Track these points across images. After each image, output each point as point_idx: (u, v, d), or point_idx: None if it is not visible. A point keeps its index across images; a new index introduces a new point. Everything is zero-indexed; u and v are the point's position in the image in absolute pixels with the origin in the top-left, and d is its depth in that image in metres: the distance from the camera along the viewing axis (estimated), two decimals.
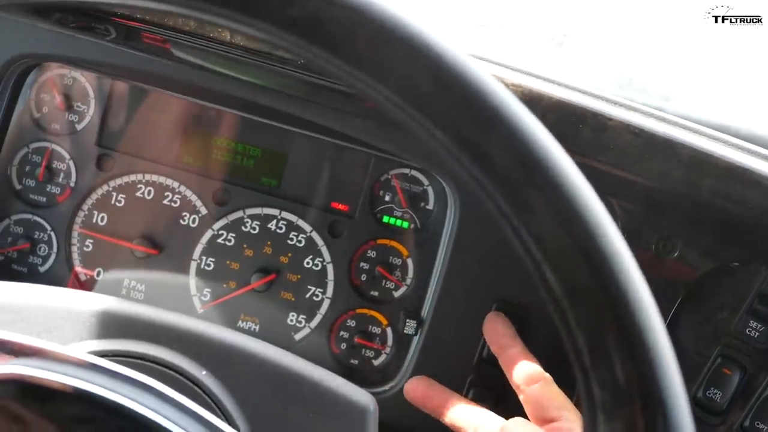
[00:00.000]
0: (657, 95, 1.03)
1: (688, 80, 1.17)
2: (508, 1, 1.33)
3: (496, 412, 0.81)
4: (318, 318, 0.96)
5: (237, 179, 0.96)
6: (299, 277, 0.96)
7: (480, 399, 0.87)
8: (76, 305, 0.64)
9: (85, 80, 0.96)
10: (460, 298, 0.90)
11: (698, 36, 1.12)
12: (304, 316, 0.97)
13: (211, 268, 0.97)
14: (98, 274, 0.98)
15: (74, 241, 0.98)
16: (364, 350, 0.96)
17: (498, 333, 0.86)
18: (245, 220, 0.96)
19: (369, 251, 0.95)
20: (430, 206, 0.95)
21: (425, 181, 0.94)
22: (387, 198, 0.95)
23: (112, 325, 0.64)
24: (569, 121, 0.80)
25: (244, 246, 0.96)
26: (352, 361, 0.97)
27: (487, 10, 1.31)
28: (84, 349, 0.62)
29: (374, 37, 0.36)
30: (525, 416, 0.78)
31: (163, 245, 0.97)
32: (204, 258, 0.97)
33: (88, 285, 0.99)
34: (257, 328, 0.97)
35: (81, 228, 0.98)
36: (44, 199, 0.98)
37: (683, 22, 1.17)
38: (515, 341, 0.84)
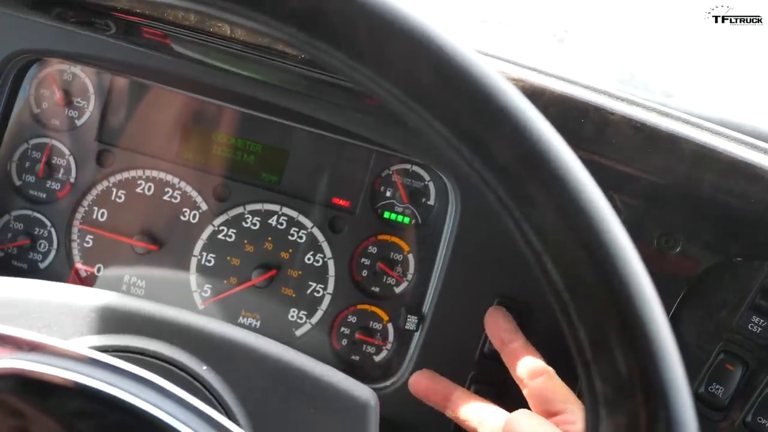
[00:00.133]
0: (659, 91, 1.03)
1: (690, 76, 1.16)
2: None
3: (498, 407, 0.81)
4: (319, 314, 0.96)
5: (237, 175, 0.96)
6: (300, 273, 0.96)
7: (482, 394, 0.87)
8: (76, 300, 0.64)
9: (84, 76, 0.96)
10: (461, 294, 0.90)
11: (699, 33, 1.12)
12: (305, 312, 0.96)
13: (211, 264, 0.97)
14: (98, 270, 0.98)
15: (74, 237, 0.98)
16: (365, 346, 0.96)
17: (499, 327, 0.85)
18: (246, 215, 0.96)
19: (370, 247, 0.95)
20: (431, 202, 0.94)
21: (426, 177, 0.94)
22: (388, 193, 0.95)
23: (112, 321, 0.64)
24: (571, 116, 0.79)
25: (245, 242, 0.96)
26: (353, 357, 0.96)
27: (488, 6, 1.31)
28: (84, 344, 0.62)
29: (375, 30, 0.35)
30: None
31: (163, 241, 0.97)
32: (204, 254, 0.97)
33: (88, 281, 0.98)
34: (258, 324, 0.97)
35: (81, 224, 0.98)
36: (44, 195, 0.98)
37: (684, 21, 1.17)
38: (517, 335, 0.84)
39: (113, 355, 0.48)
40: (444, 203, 0.93)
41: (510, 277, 0.88)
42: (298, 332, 0.97)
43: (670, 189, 0.81)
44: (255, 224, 0.96)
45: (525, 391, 0.79)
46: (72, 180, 0.97)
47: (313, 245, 0.96)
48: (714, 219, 0.83)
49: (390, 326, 0.96)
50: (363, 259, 0.95)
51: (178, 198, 0.96)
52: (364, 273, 0.96)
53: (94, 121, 0.97)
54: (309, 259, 0.96)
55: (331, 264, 0.96)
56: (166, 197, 0.96)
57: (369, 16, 0.35)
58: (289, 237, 0.96)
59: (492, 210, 0.37)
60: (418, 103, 0.36)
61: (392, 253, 0.95)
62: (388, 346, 0.96)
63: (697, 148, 0.79)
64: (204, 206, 0.96)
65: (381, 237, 0.95)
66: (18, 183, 0.98)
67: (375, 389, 0.68)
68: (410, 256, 0.95)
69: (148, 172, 0.96)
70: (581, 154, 0.36)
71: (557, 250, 0.35)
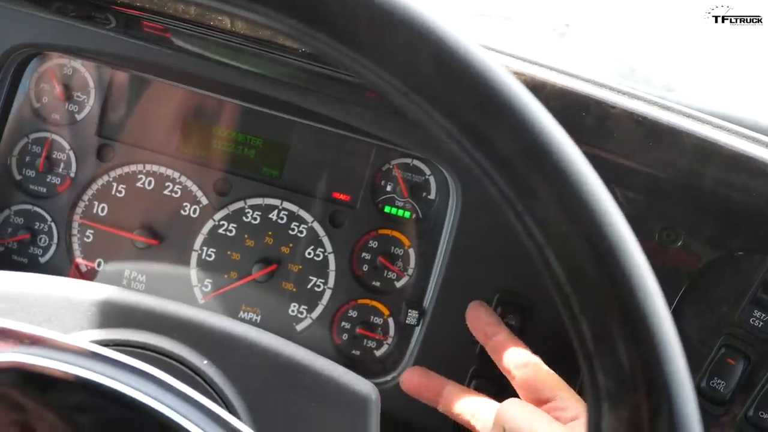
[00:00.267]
0: (660, 85, 1.03)
1: (690, 70, 1.16)
2: None
3: (498, 402, 0.81)
4: (319, 309, 0.96)
5: (238, 169, 0.96)
6: (300, 267, 0.96)
7: (482, 389, 0.87)
8: (76, 295, 0.64)
9: (85, 70, 0.96)
10: (462, 288, 0.90)
11: (700, 30, 1.12)
12: (306, 307, 0.96)
13: (212, 259, 0.97)
14: (99, 264, 0.98)
15: (75, 231, 0.98)
16: (365, 341, 0.96)
17: (482, 321, 0.86)
18: (246, 210, 0.96)
19: (370, 241, 0.95)
20: (432, 196, 0.94)
21: (427, 171, 0.94)
22: (388, 188, 0.95)
23: (113, 315, 0.64)
24: (572, 109, 0.79)
25: (245, 236, 0.96)
26: (353, 351, 0.96)
27: (489, 1, 1.31)
28: (85, 338, 0.62)
29: (376, 21, 0.35)
30: None
31: (163, 236, 0.97)
32: (205, 248, 0.96)
33: (88, 276, 0.98)
34: (258, 318, 0.97)
35: (81, 218, 0.98)
36: (44, 190, 0.98)
37: (684, 18, 1.17)
38: (500, 328, 0.84)
39: (114, 349, 0.48)
40: (445, 197, 0.92)
41: (511, 271, 0.88)
42: (299, 327, 0.97)
43: (672, 183, 0.81)
44: (255, 219, 0.96)
45: (513, 382, 0.79)
46: (72, 174, 0.97)
47: (314, 240, 0.96)
48: (715, 213, 0.83)
49: (391, 321, 0.96)
50: (364, 254, 0.95)
51: (179, 192, 0.96)
52: (365, 267, 0.96)
53: (94, 116, 0.96)
54: (309, 253, 0.96)
55: (331, 258, 0.96)
56: (166, 192, 0.96)
57: (370, 6, 0.35)
58: (290, 231, 0.96)
59: (493, 204, 0.37)
60: (419, 94, 0.36)
61: (393, 248, 0.95)
62: (389, 340, 0.96)
63: (698, 142, 0.79)
64: (204, 201, 0.96)
65: (382, 231, 0.95)
66: (18, 177, 0.98)
67: (376, 384, 0.68)
68: (411, 251, 0.95)
69: (148, 167, 0.96)
70: (582, 148, 0.36)
71: (559, 242, 0.35)
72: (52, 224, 0.98)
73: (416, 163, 0.94)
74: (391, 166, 0.94)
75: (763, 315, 0.83)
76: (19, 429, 0.45)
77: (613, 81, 0.85)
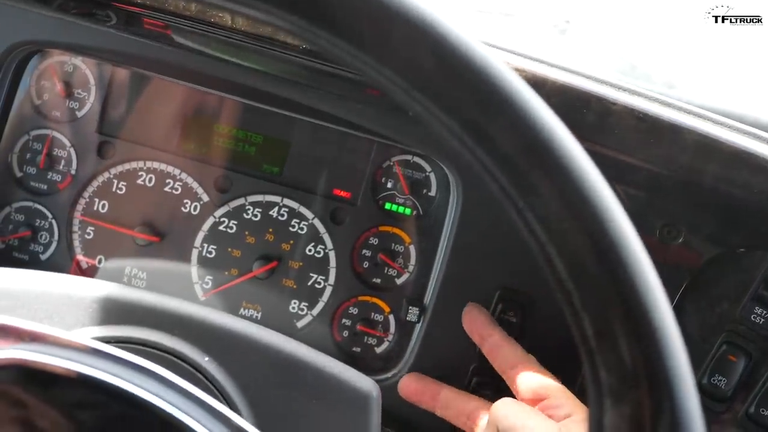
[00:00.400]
0: (660, 82, 1.03)
1: (692, 67, 1.16)
2: None
3: (498, 399, 0.81)
4: (320, 305, 0.96)
5: (238, 166, 0.96)
6: (301, 264, 0.96)
7: (483, 386, 0.87)
8: (77, 292, 0.64)
9: (85, 67, 0.96)
10: (462, 285, 0.90)
11: (700, 30, 1.12)
12: (306, 304, 0.96)
13: (212, 256, 0.97)
14: (99, 261, 0.98)
15: (75, 228, 0.98)
16: (366, 338, 0.96)
17: (477, 324, 0.86)
18: (247, 207, 0.96)
19: (371, 238, 0.95)
20: (433, 193, 0.94)
21: (427, 168, 0.94)
22: (389, 185, 0.95)
23: (113, 312, 0.64)
24: (573, 106, 0.79)
25: (246, 233, 0.96)
26: (354, 348, 0.96)
27: None
28: (86, 335, 0.62)
29: (377, 17, 0.35)
30: None
31: (164, 233, 0.97)
32: (205, 245, 0.96)
33: (89, 273, 0.98)
34: (259, 315, 0.97)
35: (82, 215, 0.98)
36: (45, 187, 0.98)
37: (684, 17, 1.17)
38: (494, 329, 0.85)
39: (115, 346, 0.48)
40: (445, 194, 0.92)
41: (512, 268, 0.88)
42: (300, 324, 0.97)
43: (673, 179, 0.81)
44: (256, 215, 0.96)
45: (508, 382, 0.80)
46: (73, 171, 0.97)
47: (314, 236, 0.95)
48: (716, 209, 0.83)
49: (391, 318, 0.96)
50: (364, 251, 0.95)
51: (179, 189, 0.96)
52: (366, 264, 0.96)
53: (94, 113, 0.96)
54: (310, 250, 0.96)
55: (332, 255, 0.96)
56: (167, 189, 0.96)
57: (370, 3, 0.35)
58: (290, 228, 0.96)
59: (493, 201, 0.37)
60: (420, 91, 0.36)
61: (393, 245, 0.95)
62: (390, 337, 0.96)
63: (699, 139, 0.79)
64: (205, 197, 0.96)
65: (382, 228, 0.95)
66: (19, 175, 0.98)
67: (376, 381, 0.68)
68: (411, 248, 0.95)
69: (149, 164, 0.96)
70: (583, 145, 0.36)
71: (561, 239, 0.35)
72: (53, 221, 0.98)
73: (417, 160, 0.94)
74: (391, 163, 0.94)
75: (765, 312, 0.83)
76: (20, 426, 0.45)
77: (614, 77, 0.85)
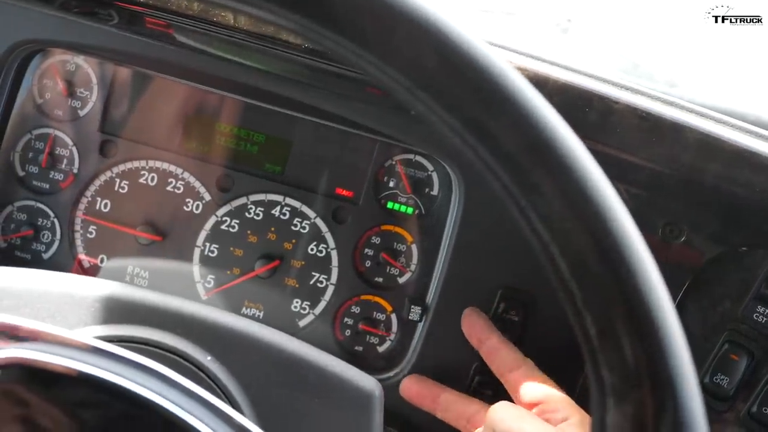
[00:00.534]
0: (662, 81, 1.03)
1: (693, 66, 1.16)
2: None
3: (499, 399, 0.81)
4: (322, 304, 0.96)
5: (241, 165, 0.96)
6: (303, 263, 0.96)
7: (485, 385, 0.87)
8: (80, 291, 0.64)
9: (87, 66, 0.96)
10: (464, 284, 0.90)
11: (701, 30, 1.12)
12: (308, 303, 0.96)
13: (214, 255, 0.97)
14: (102, 261, 0.98)
15: (77, 227, 0.98)
16: (368, 337, 0.96)
17: (475, 327, 0.87)
18: (249, 206, 0.96)
19: (373, 237, 0.95)
20: (435, 192, 0.94)
21: (429, 167, 0.94)
22: (391, 184, 0.95)
23: (116, 311, 0.64)
24: (575, 105, 0.79)
25: (248, 232, 0.96)
26: (356, 347, 0.96)
27: None
28: (88, 334, 0.62)
29: (380, 16, 0.35)
30: None
31: (166, 232, 0.97)
32: (207, 244, 0.96)
33: (91, 272, 0.98)
34: (261, 314, 0.97)
35: (84, 215, 0.98)
36: (47, 186, 0.98)
37: (685, 17, 1.17)
38: (492, 332, 0.85)
39: (117, 345, 0.48)
40: (447, 193, 0.92)
41: (514, 267, 0.88)
42: (302, 323, 0.97)
43: (675, 178, 0.81)
44: (258, 215, 0.96)
45: (506, 385, 0.80)
46: (75, 171, 0.97)
47: (317, 236, 0.95)
48: (718, 208, 0.83)
49: (393, 317, 0.96)
50: (366, 250, 0.95)
51: (181, 188, 0.96)
52: (368, 263, 0.96)
53: (97, 112, 0.96)
54: (312, 249, 0.96)
55: (334, 254, 0.95)
56: (169, 188, 0.96)
57: (373, 2, 0.35)
58: (293, 227, 0.96)
59: (495, 200, 0.37)
60: (423, 90, 0.36)
61: (396, 244, 0.95)
62: (392, 336, 0.96)
63: (701, 137, 0.79)
64: (207, 197, 0.96)
65: (384, 227, 0.95)
66: (21, 173, 0.98)
67: (379, 380, 0.68)
68: (414, 247, 0.95)
69: (151, 163, 0.96)
70: (585, 144, 0.36)
71: (564, 238, 0.35)
72: (55, 220, 0.98)
73: (419, 158, 0.94)
74: (393, 162, 0.94)
75: (767, 310, 0.83)
76: (23, 425, 0.45)
77: (616, 76, 0.85)
